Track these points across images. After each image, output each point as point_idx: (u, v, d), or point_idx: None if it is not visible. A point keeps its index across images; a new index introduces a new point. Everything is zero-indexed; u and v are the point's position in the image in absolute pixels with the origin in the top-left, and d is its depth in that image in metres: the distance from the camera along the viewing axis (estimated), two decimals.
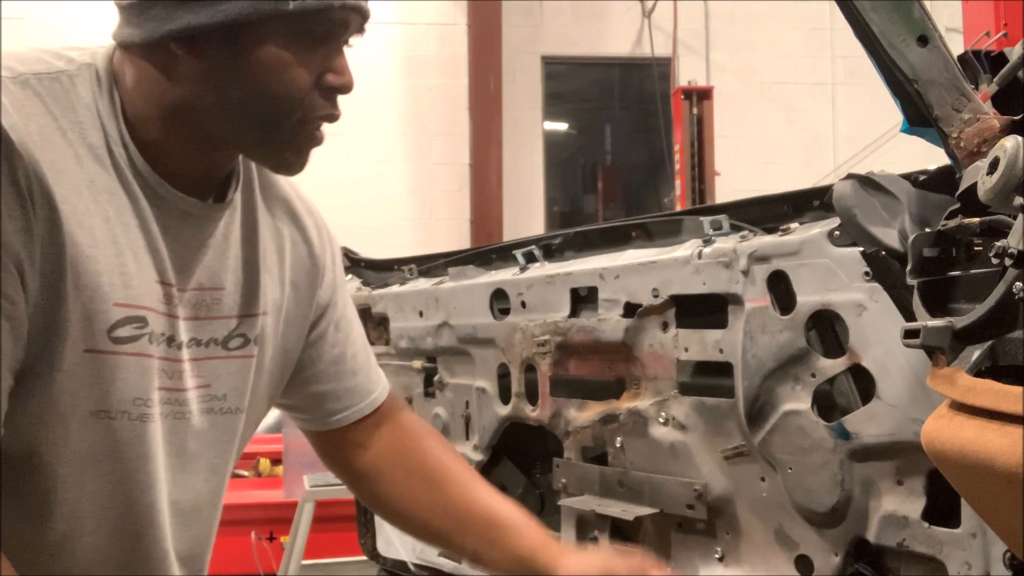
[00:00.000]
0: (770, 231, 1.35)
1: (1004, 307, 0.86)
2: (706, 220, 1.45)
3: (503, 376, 1.87)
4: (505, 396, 1.86)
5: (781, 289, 1.31)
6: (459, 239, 8.33)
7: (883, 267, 1.17)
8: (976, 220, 0.95)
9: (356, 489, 1.46)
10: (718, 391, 1.43)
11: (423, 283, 2.06)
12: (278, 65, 1.05)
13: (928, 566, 1.20)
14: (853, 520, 1.27)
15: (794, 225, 1.32)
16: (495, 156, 8.62)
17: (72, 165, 1.03)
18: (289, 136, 1.09)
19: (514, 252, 1.86)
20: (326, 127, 1.13)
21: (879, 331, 1.18)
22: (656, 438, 1.54)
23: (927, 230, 1.05)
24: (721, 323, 1.40)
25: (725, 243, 1.39)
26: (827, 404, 1.30)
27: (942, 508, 1.18)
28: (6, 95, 0.99)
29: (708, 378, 1.46)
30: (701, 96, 8.09)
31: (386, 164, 8.45)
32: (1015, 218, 0.86)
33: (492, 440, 1.92)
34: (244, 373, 1.22)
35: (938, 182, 1.16)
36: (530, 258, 1.84)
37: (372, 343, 2.23)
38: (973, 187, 0.91)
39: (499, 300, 1.83)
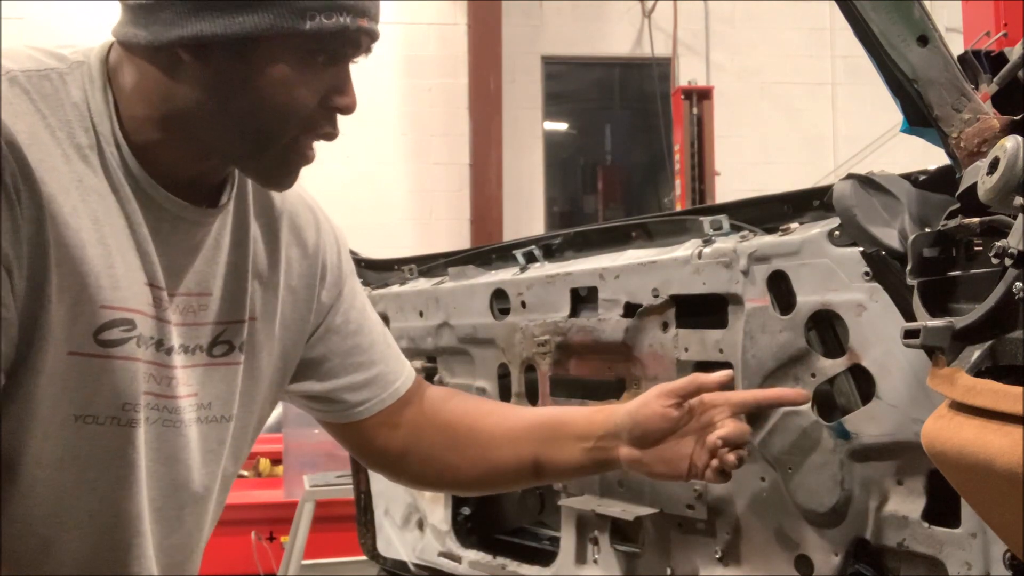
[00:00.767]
0: (770, 231, 1.35)
1: (1004, 307, 0.86)
2: (706, 220, 1.45)
3: (503, 376, 1.87)
4: (505, 396, 1.86)
5: (781, 289, 1.31)
6: (459, 239, 8.33)
7: (883, 267, 1.17)
8: (976, 220, 0.95)
9: (394, 475, 1.45)
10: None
11: (423, 283, 2.06)
12: (286, 82, 1.04)
13: (928, 566, 1.20)
14: (853, 520, 1.27)
15: (794, 225, 1.32)
16: (495, 156, 8.62)
17: (60, 164, 1.01)
18: (282, 152, 1.08)
19: (514, 252, 1.86)
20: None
21: (879, 331, 1.19)
22: None
23: (927, 230, 1.05)
24: (721, 323, 1.40)
25: (725, 243, 1.39)
26: (827, 404, 1.30)
27: (942, 508, 1.18)
28: None
29: None
30: (701, 96, 8.10)
31: (386, 164, 8.46)
32: (1015, 218, 0.86)
33: None
34: (229, 380, 1.20)
35: (938, 182, 1.16)
36: (530, 258, 1.84)
37: None
38: (973, 187, 0.91)
39: (499, 300, 1.83)
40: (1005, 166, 0.84)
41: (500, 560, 1.92)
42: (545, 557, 1.84)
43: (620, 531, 1.66)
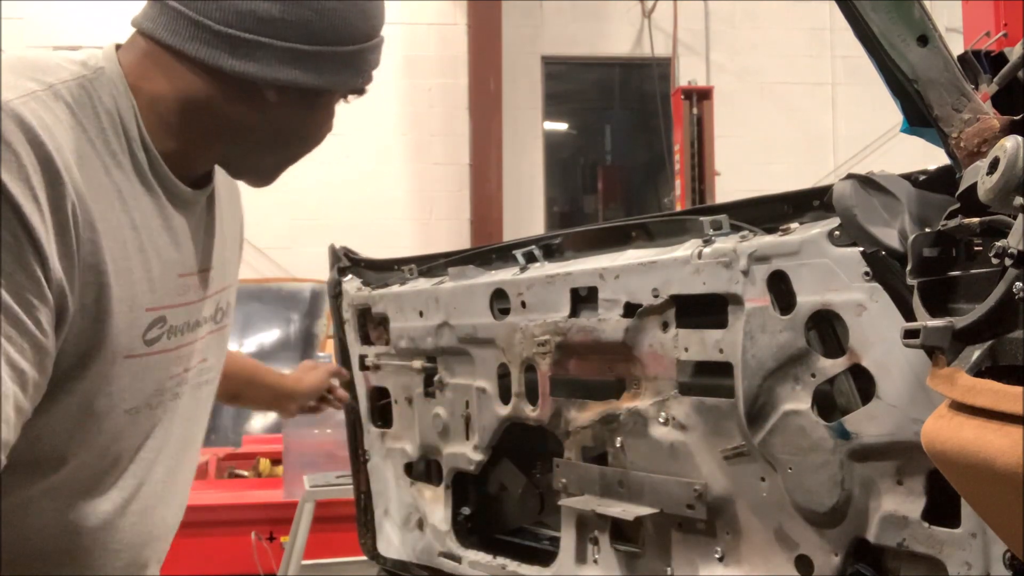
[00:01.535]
0: (770, 231, 1.35)
1: (1004, 307, 0.86)
2: (706, 220, 1.45)
3: (503, 376, 1.87)
4: (505, 396, 1.86)
5: (781, 289, 1.31)
6: (459, 239, 8.33)
7: (883, 267, 1.17)
8: (976, 220, 0.95)
9: None
10: (718, 391, 1.43)
11: (423, 283, 2.06)
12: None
13: (928, 566, 1.20)
14: (853, 520, 1.27)
15: (794, 225, 1.32)
16: (495, 156, 8.62)
17: (103, 178, 1.05)
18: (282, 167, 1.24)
19: (514, 252, 1.86)
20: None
21: (879, 331, 1.18)
22: (656, 438, 1.54)
23: (927, 230, 1.05)
24: (721, 323, 1.40)
25: (725, 243, 1.39)
26: (827, 404, 1.30)
27: (942, 508, 1.18)
28: (47, 113, 1.00)
29: (708, 378, 1.46)
30: (701, 96, 8.09)
31: (386, 164, 8.45)
32: (1015, 218, 0.86)
33: (492, 440, 1.92)
34: (221, 342, 1.34)
35: (938, 182, 1.16)
36: (530, 258, 1.84)
37: (372, 343, 2.23)
38: (973, 187, 0.91)
39: (499, 300, 1.83)
40: (1005, 166, 0.84)
41: (500, 560, 1.92)
42: (545, 557, 1.84)
43: (620, 531, 1.66)
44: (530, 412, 1.79)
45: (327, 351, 6.41)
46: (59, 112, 1.02)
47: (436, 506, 2.09)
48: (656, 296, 1.49)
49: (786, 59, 9.13)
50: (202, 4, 1.07)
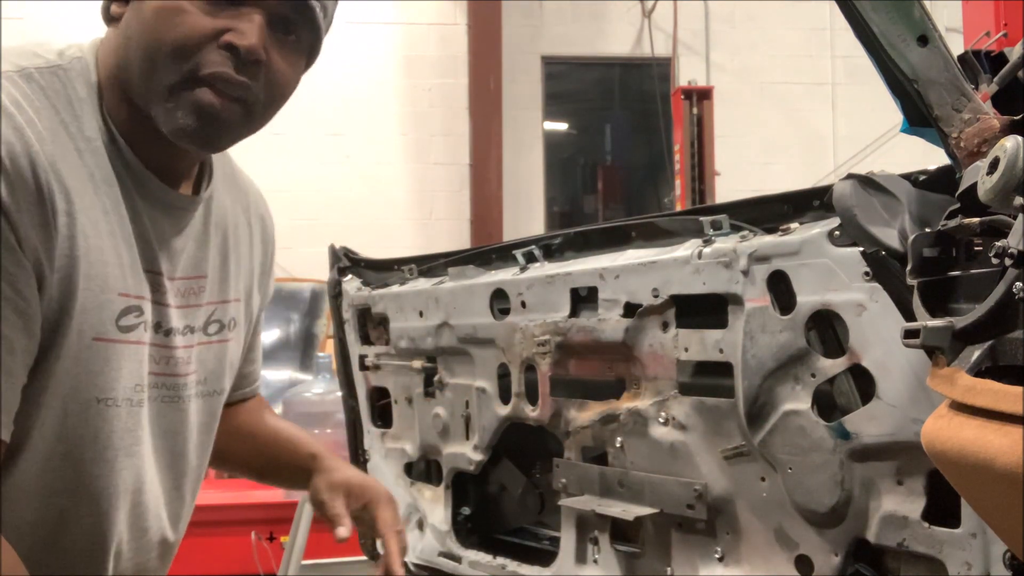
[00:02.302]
0: (770, 231, 1.35)
1: (1004, 307, 0.86)
2: (706, 220, 1.45)
3: (503, 376, 1.87)
4: (505, 396, 1.86)
5: (781, 289, 1.31)
6: (459, 239, 8.33)
7: (883, 267, 1.17)
8: (976, 220, 0.95)
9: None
10: (718, 391, 1.43)
11: (423, 283, 2.06)
12: (172, 11, 1.04)
13: (928, 566, 1.20)
14: (853, 520, 1.27)
15: (794, 225, 1.32)
16: (495, 156, 8.62)
17: (76, 159, 1.05)
18: (179, 90, 1.06)
19: (514, 252, 1.86)
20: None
21: (879, 331, 1.18)
22: (656, 438, 1.54)
23: (927, 230, 1.05)
24: (721, 323, 1.40)
25: (725, 243, 1.39)
26: (827, 404, 1.30)
27: (942, 508, 1.18)
28: (16, 89, 1.01)
29: (708, 378, 1.46)
30: (701, 96, 8.09)
31: (386, 164, 8.45)
32: (1015, 218, 0.86)
33: (492, 440, 1.91)
34: (220, 357, 1.29)
35: (938, 182, 1.16)
36: (530, 258, 1.84)
37: (372, 343, 2.23)
38: (973, 187, 0.91)
39: (499, 300, 1.83)
40: (1005, 166, 0.84)
41: (500, 560, 1.92)
42: (545, 557, 1.84)
43: (620, 531, 1.66)
44: (530, 412, 1.79)
45: (327, 351, 6.41)
46: (30, 92, 1.03)
47: (436, 506, 2.09)
48: (656, 296, 1.49)
49: (786, 59, 9.14)
50: None
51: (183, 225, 1.19)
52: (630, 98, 10.03)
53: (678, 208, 7.64)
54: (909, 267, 1.03)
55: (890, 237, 1.16)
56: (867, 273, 1.19)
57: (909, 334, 0.95)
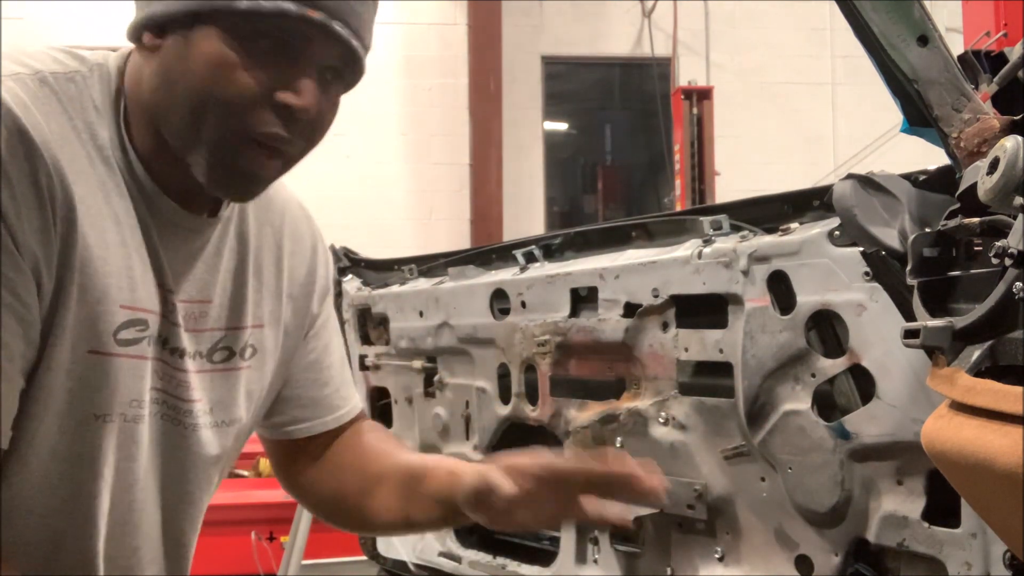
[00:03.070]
0: (770, 231, 1.35)
1: (1004, 307, 0.86)
2: (706, 220, 1.45)
3: (503, 376, 1.87)
4: (505, 396, 1.86)
5: (781, 289, 1.31)
6: (459, 239, 8.33)
7: (883, 267, 1.17)
8: (976, 220, 0.95)
9: (303, 500, 1.41)
10: (718, 391, 1.43)
11: (423, 283, 2.06)
12: (222, 64, 0.99)
13: (928, 566, 1.20)
14: (853, 520, 1.27)
15: (794, 225, 1.32)
16: (495, 156, 8.62)
17: (86, 166, 1.03)
18: (228, 152, 1.02)
19: (514, 252, 1.86)
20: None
21: (879, 331, 1.18)
22: (656, 438, 1.54)
23: (927, 230, 1.05)
24: (721, 323, 1.40)
25: (725, 243, 1.39)
26: (827, 404, 1.30)
27: (942, 508, 1.18)
28: (26, 91, 0.99)
29: (708, 378, 1.46)
30: (701, 96, 8.09)
31: (386, 164, 8.46)
32: (1015, 218, 0.86)
33: (492, 440, 1.92)
34: (229, 386, 1.20)
35: (938, 182, 1.16)
36: (530, 258, 1.84)
37: (372, 343, 2.23)
38: (973, 187, 0.91)
39: (499, 300, 1.83)
40: (1005, 166, 0.84)
41: (500, 560, 1.92)
42: (545, 557, 1.84)
43: (620, 531, 1.66)
44: (530, 412, 1.79)
45: None
46: (41, 95, 1.00)
47: None
48: (656, 296, 1.49)
49: (786, 59, 9.14)
50: None
51: (193, 246, 1.14)
52: (630, 98, 10.03)
53: (678, 208, 7.64)
54: (909, 267, 1.03)
55: (890, 237, 1.16)
56: (867, 273, 1.19)
57: (909, 334, 0.95)
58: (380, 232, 7.76)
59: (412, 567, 2.17)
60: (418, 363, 2.07)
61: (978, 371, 0.88)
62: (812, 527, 1.33)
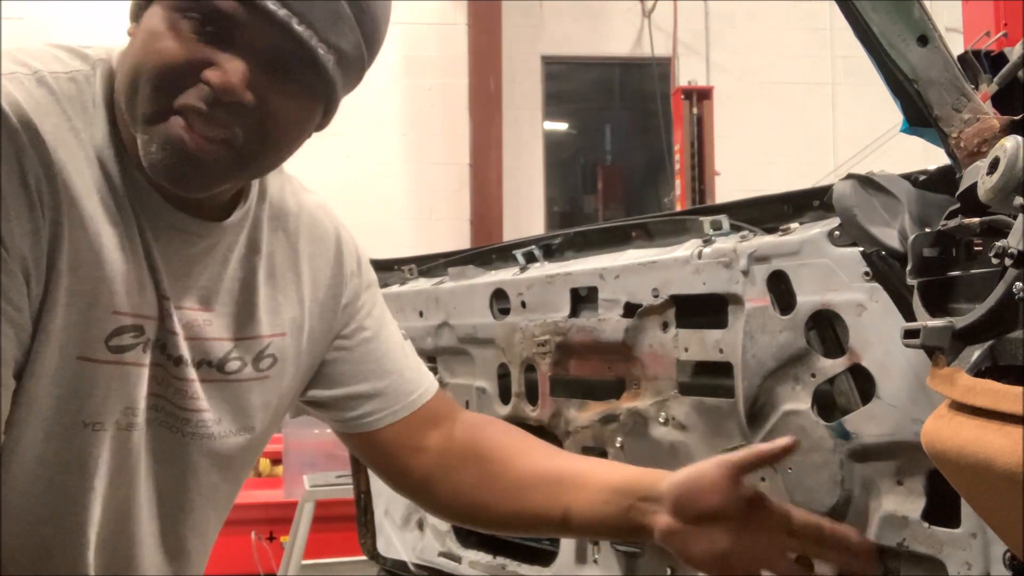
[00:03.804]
0: (770, 231, 1.35)
1: (1004, 307, 0.86)
2: (706, 220, 1.45)
3: (503, 376, 1.87)
4: (505, 396, 1.86)
5: (781, 289, 1.31)
6: (459, 239, 8.33)
7: (883, 267, 1.17)
8: (976, 220, 0.95)
9: (421, 502, 1.38)
10: (718, 391, 1.43)
11: (423, 283, 2.06)
12: (154, 37, 0.98)
13: (928, 566, 1.20)
14: (853, 520, 1.27)
15: (794, 225, 1.32)
16: (495, 156, 8.63)
17: (83, 167, 1.01)
18: (154, 121, 0.99)
19: (514, 252, 1.86)
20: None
21: (879, 331, 1.18)
22: (656, 438, 1.54)
23: (927, 230, 1.05)
24: (721, 323, 1.40)
25: (725, 243, 1.39)
26: (827, 404, 1.30)
27: (942, 508, 1.18)
28: (21, 91, 0.97)
29: (708, 378, 1.46)
30: (701, 96, 8.10)
31: (386, 164, 8.46)
32: (1015, 218, 0.86)
33: None
34: (244, 396, 1.18)
35: (938, 182, 1.16)
36: (530, 258, 1.84)
37: None
38: (973, 187, 0.91)
39: (499, 300, 1.83)
40: (1005, 166, 0.84)
41: (500, 560, 1.92)
42: (545, 557, 1.84)
43: None
44: (530, 412, 1.79)
45: None
46: (38, 95, 0.99)
47: None
48: (656, 296, 1.49)
49: (786, 59, 9.14)
50: None
51: (194, 251, 1.10)
52: (630, 98, 10.03)
53: (678, 208, 7.65)
54: (909, 267, 1.03)
55: (890, 237, 1.16)
56: (867, 273, 1.19)
57: (909, 334, 0.95)
58: (380, 232, 7.76)
59: (412, 567, 2.17)
60: None
61: (978, 371, 0.88)
62: None
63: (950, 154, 1.05)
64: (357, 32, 1.02)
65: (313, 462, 3.83)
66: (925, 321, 0.94)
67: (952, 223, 0.99)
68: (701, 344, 1.44)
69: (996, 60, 1.08)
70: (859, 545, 1.12)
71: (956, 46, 1.04)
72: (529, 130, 9.07)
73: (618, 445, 1.62)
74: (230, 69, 0.98)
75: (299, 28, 0.97)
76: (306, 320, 1.23)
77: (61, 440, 1.04)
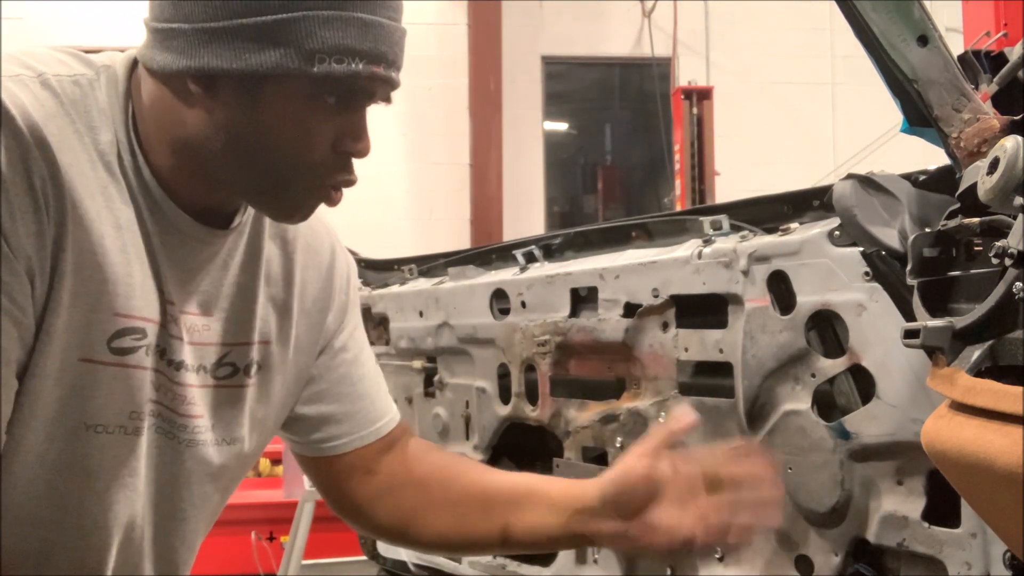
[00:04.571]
0: (770, 231, 1.35)
1: (1004, 307, 0.86)
2: (706, 220, 1.45)
3: (503, 376, 1.87)
4: (505, 396, 1.86)
5: (781, 289, 1.31)
6: (459, 239, 8.33)
7: (883, 267, 1.17)
8: (976, 220, 0.95)
9: (358, 523, 1.37)
10: (718, 391, 1.43)
11: (423, 283, 2.07)
12: (295, 124, 1.01)
13: (928, 566, 1.20)
14: (853, 520, 1.27)
15: (794, 225, 1.32)
16: (495, 156, 8.62)
17: (87, 169, 1.01)
18: (301, 197, 1.07)
19: (514, 252, 1.86)
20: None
21: (879, 331, 1.18)
22: None
23: (927, 230, 1.05)
24: (721, 323, 1.40)
25: (725, 243, 1.39)
26: (827, 404, 1.30)
27: (942, 508, 1.18)
28: (26, 94, 0.97)
29: (708, 378, 1.46)
30: (701, 96, 8.09)
31: (386, 164, 8.45)
32: (1015, 218, 0.86)
33: (492, 440, 1.92)
34: (234, 403, 1.18)
35: (938, 182, 1.16)
36: (530, 258, 1.84)
37: (372, 343, 2.23)
38: (973, 187, 0.91)
39: (499, 300, 1.83)
40: (1005, 166, 0.84)
41: (500, 560, 1.92)
42: (545, 557, 1.84)
43: None
44: (530, 412, 1.79)
45: None
46: (42, 98, 0.99)
47: None
48: (656, 296, 1.49)
49: (786, 59, 9.14)
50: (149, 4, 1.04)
51: (199, 257, 1.11)
52: (630, 98, 10.03)
53: (678, 208, 7.65)
54: (909, 267, 1.03)
55: (890, 237, 1.16)
56: (867, 273, 1.19)
57: (909, 334, 0.95)
58: (380, 232, 7.75)
59: (412, 567, 2.17)
60: (418, 363, 2.07)
61: (978, 371, 0.88)
62: (812, 527, 1.33)
63: (950, 154, 1.05)
64: None
65: None
66: (925, 321, 0.95)
67: (952, 223, 0.99)
68: (701, 344, 1.44)
69: (996, 60, 1.08)
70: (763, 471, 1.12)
71: (956, 46, 1.05)
72: (529, 130, 9.07)
73: (618, 445, 1.62)
74: (366, 135, 1.08)
75: (397, 77, 1.06)
76: (293, 331, 1.23)
77: (63, 442, 1.04)
